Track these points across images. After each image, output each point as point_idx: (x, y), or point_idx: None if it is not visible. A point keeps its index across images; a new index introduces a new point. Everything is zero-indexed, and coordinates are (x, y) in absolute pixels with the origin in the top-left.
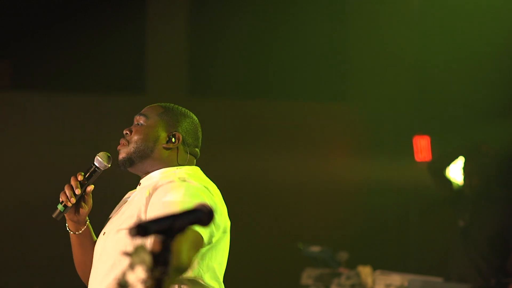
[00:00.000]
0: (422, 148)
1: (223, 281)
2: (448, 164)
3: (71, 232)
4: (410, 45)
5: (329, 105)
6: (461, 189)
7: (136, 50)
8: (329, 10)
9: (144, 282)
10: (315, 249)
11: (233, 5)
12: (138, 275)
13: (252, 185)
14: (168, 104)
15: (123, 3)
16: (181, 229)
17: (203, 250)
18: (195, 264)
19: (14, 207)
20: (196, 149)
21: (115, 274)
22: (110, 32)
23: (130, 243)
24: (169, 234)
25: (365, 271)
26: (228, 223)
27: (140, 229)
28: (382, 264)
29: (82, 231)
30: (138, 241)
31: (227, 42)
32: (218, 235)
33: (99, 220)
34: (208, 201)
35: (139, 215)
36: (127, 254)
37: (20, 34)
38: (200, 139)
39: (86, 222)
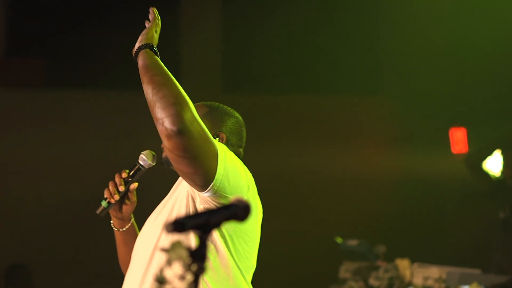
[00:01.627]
0: (458, 140)
1: (257, 274)
2: (486, 156)
3: (116, 230)
4: (446, 37)
5: (366, 98)
6: (500, 180)
7: (170, 47)
8: (365, 4)
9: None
10: (353, 242)
11: (266, 0)
12: (175, 271)
13: (288, 179)
14: (212, 103)
15: (156, 1)
16: (217, 224)
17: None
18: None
19: (50, 205)
20: (240, 149)
21: (151, 271)
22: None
23: (162, 237)
24: (205, 229)
25: (403, 264)
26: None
27: (177, 224)
28: (420, 257)
29: (126, 228)
30: (170, 234)
31: (261, 38)
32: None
33: (145, 218)
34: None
35: (182, 200)
36: (164, 250)
37: (55, 32)
38: (244, 139)
39: (130, 220)
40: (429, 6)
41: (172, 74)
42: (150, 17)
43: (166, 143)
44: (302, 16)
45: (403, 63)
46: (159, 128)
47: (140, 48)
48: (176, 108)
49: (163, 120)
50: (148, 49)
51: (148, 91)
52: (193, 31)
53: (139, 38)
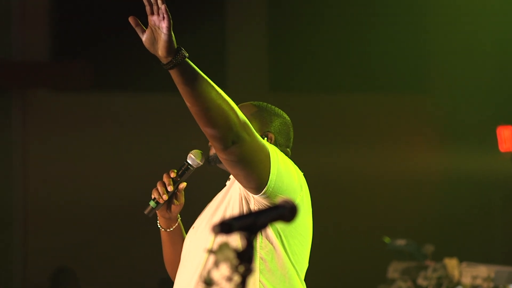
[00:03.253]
0: (506, 138)
1: (306, 274)
2: None
3: (162, 229)
4: (494, 36)
5: (414, 97)
6: None
7: (216, 47)
8: (412, 3)
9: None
10: (401, 242)
11: (312, 1)
12: (222, 273)
13: (335, 179)
14: (260, 103)
15: (203, 1)
16: (264, 226)
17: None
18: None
19: (97, 208)
20: (288, 149)
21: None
22: (190, 31)
23: (217, 241)
24: (252, 230)
25: (451, 263)
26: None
27: (224, 226)
28: (468, 256)
29: (173, 228)
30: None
31: (306, 37)
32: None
33: (191, 218)
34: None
35: (230, 200)
36: (211, 251)
37: (102, 35)
38: (292, 139)
39: (177, 220)
40: (476, 5)
41: (219, 74)
42: (164, 14)
43: (220, 155)
44: (350, 14)
45: (450, 62)
46: (212, 141)
47: (178, 61)
48: (228, 121)
49: (216, 134)
50: (185, 59)
51: (195, 104)
52: (239, 31)
53: (166, 45)
